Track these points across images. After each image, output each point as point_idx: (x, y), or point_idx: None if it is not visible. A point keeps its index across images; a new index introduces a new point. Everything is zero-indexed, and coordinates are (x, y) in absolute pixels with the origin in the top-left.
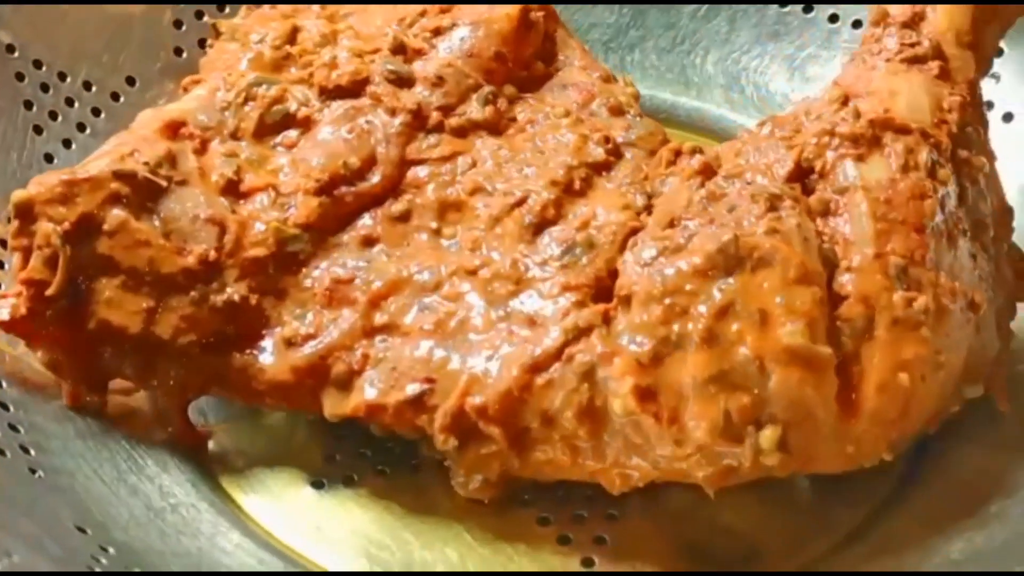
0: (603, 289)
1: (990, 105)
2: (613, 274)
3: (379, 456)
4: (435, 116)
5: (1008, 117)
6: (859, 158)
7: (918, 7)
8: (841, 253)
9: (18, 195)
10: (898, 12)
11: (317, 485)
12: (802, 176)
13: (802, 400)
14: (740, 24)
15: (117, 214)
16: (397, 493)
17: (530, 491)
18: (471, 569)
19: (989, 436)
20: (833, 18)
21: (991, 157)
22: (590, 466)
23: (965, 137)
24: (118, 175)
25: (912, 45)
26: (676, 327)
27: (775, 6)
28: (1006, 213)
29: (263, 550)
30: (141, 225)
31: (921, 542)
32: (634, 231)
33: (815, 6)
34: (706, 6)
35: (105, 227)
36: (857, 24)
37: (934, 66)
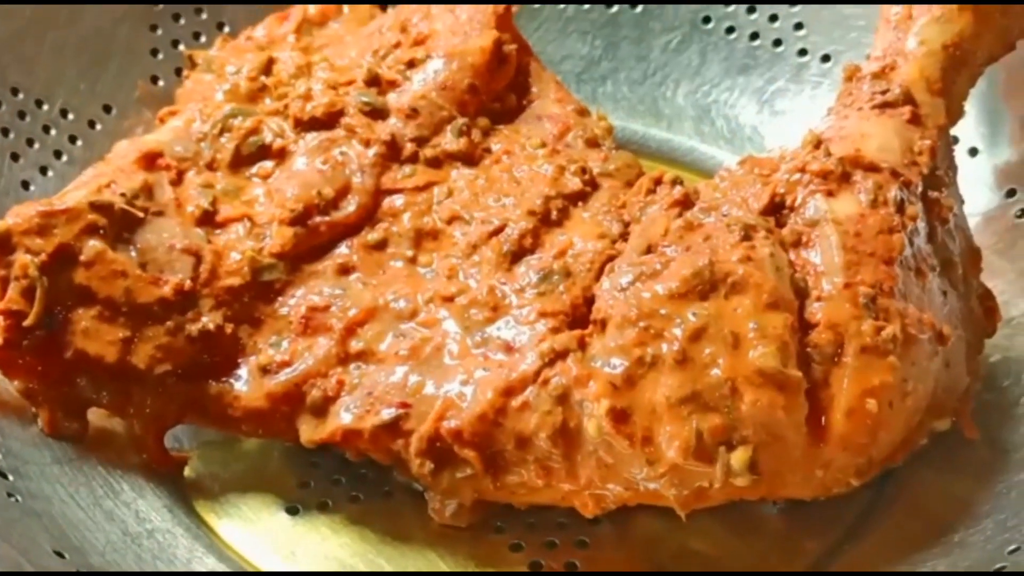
0: (579, 316)
1: (955, 139)
2: (589, 301)
3: (353, 482)
4: (409, 147)
5: (973, 152)
6: (829, 193)
7: (888, 60)
8: (812, 283)
9: None
10: (869, 65)
11: (292, 511)
12: (776, 210)
13: (773, 422)
14: (710, 57)
15: (94, 245)
16: (371, 519)
17: (503, 518)
18: None
19: (954, 462)
20: (802, 52)
21: (959, 200)
22: (563, 488)
23: (935, 179)
24: (95, 206)
25: (883, 92)
26: (650, 349)
27: (745, 40)
28: (974, 253)
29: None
30: (118, 256)
31: (887, 568)
32: (610, 259)
33: (783, 43)
34: (677, 39)
35: (82, 258)
36: (826, 58)
37: (905, 111)
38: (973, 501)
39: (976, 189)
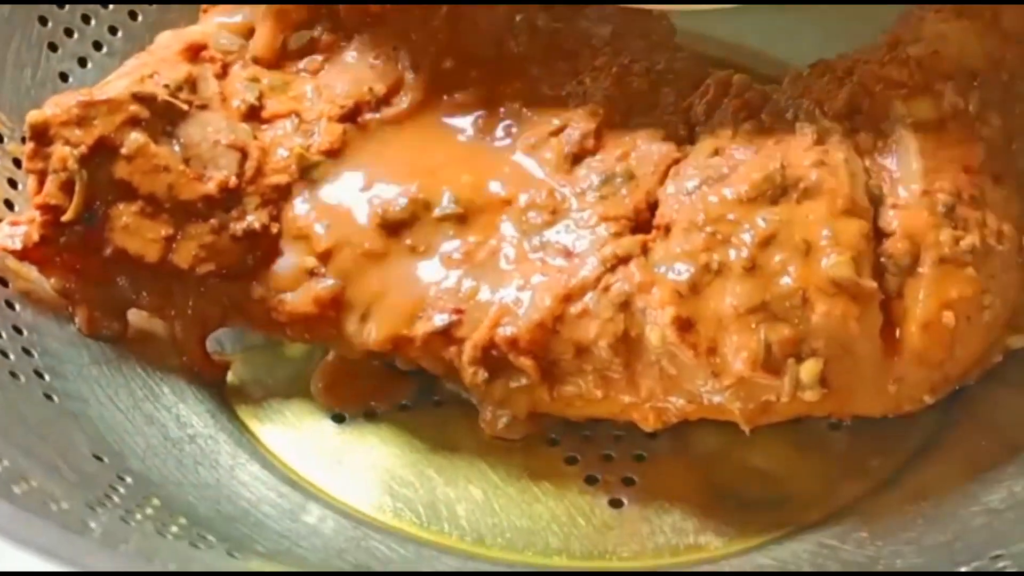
0: (642, 221)
1: None
2: (653, 206)
3: None
4: None
5: None
6: (908, 97)
7: None
8: (887, 190)
9: (33, 116)
10: None
11: (338, 419)
12: (850, 114)
13: (845, 334)
14: None
15: (136, 138)
16: (419, 428)
17: (557, 431)
18: (495, 507)
19: None
20: None
21: None
22: (623, 400)
23: (1014, 87)
24: (137, 97)
25: None
26: (717, 256)
27: None
28: None
29: (283, 483)
30: (160, 149)
31: (959, 489)
32: (676, 162)
33: None
34: None
35: (123, 151)
36: None
37: (986, 12)
38: None
39: None
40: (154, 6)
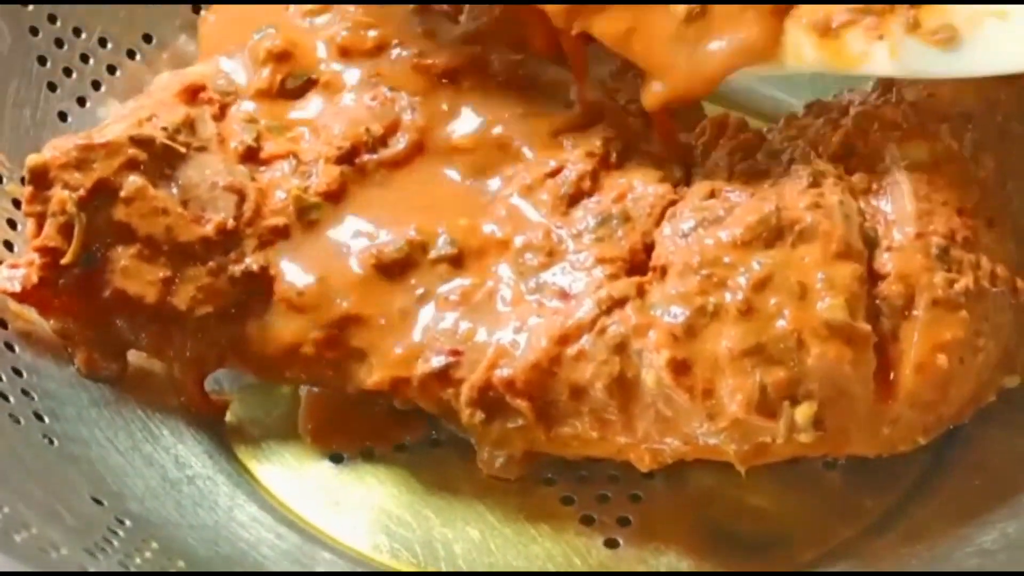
0: (638, 263)
1: None
2: (649, 247)
3: None
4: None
5: None
6: (902, 139)
7: None
8: (882, 232)
9: (33, 160)
10: None
11: (336, 459)
12: (845, 156)
13: (840, 377)
14: None
15: (134, 180)
16: (417, 469)
17: (554, 470)
18: (492, 547)
19: (1020, 420)
20: None
21: None
22: (619, 441)
23: (1009, 129)
24: (136, 140)
25: None
26: (713, 298)
27: None
28: None
29: (281, 524)
30: (159, 192)
31: (952, 531)
32: (672, 204)
33: None
34: None
35: (122, 194)
36: None
37: None
38: None
39: None
40: (152, 44)
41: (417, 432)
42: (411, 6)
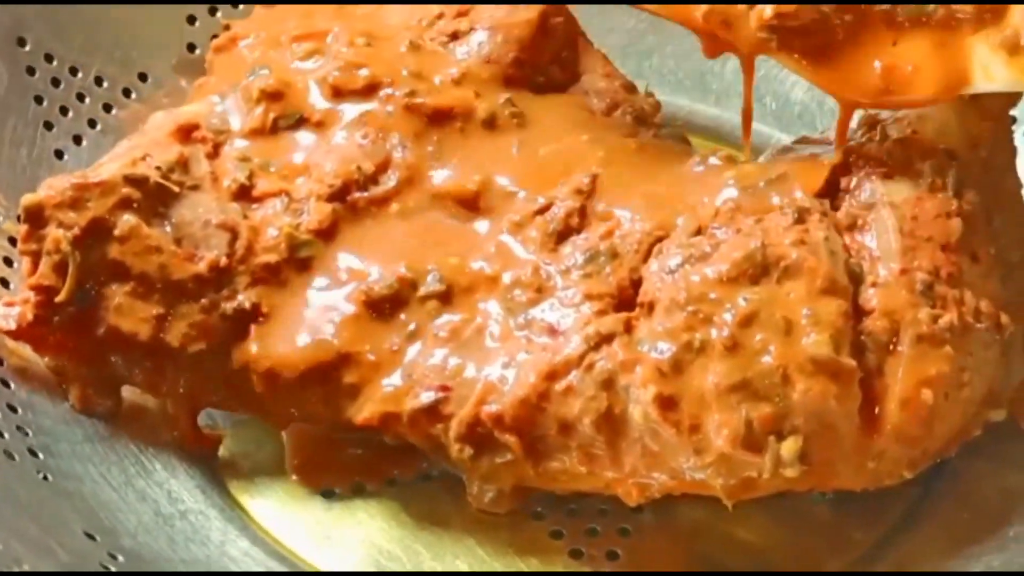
0: (626, 299)
1: (1014, 120)
2: (636, 284)
3: None
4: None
5: None
6: (886, 176)
7: None
8: (867, 268)
9: (28, 199)
10: None
11: (327, 494)
12: (831, 192)
13: (825, 412)
14: None
15: (128, 219)
16: (408, 503)
17: (543, 504)
18: None
19: (1009, 453)
20: None
21: (1019, 184)
22: (607, 476)
23: (993, 163)
24: (129, 180)
25: None
26: (699, 334)
27: None
28: None
29: (272, 558)
30: (152, 231)
31: (939, 563)
32: (659, 240)
33: None
34: None
35: (116, 232)
36: None
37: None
38: None
39: None
40: (147, 83)
41: (407, 467)
42: (403, 45)
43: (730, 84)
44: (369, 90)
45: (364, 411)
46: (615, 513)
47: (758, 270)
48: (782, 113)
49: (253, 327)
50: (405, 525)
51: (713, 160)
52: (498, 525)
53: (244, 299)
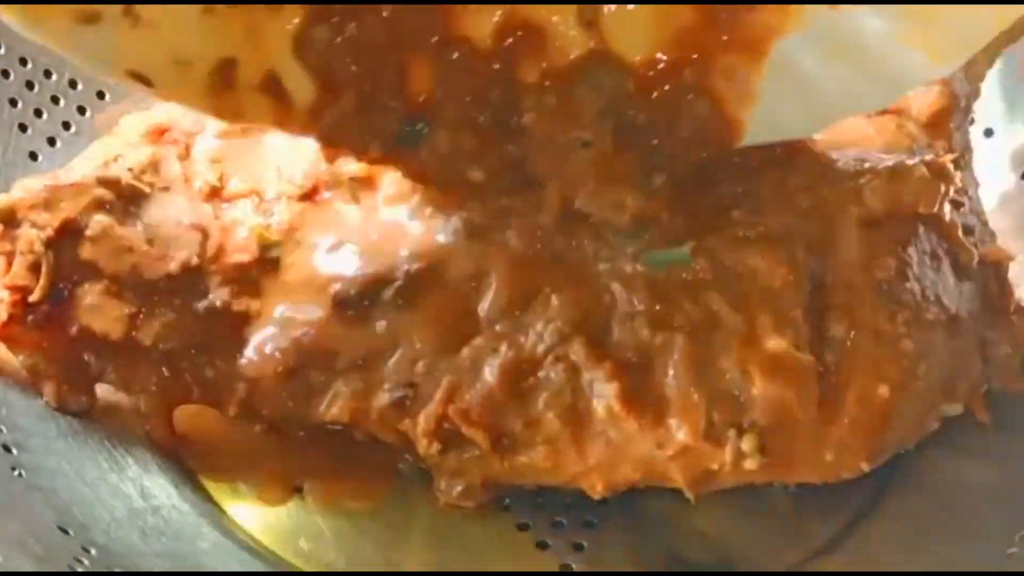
0: None
1: (971, 120)
2: None
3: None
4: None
5: (989, 132)
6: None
7: None
8: (828, 266)
9: (2, 200)
10: None
11: (297, 488)
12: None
13: (784, 406)
14: None
15: (100, 220)
16: (378, 497)
17: (510, 497)
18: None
19: (965, 444)
20: None
21: (975, 183)
22: (572, 469)
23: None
24: (102, 181)
25: None
26: (662, 332)
27: None
28: (990, 237)
29: (244, 552)
30: (124, 231)
31: (898, 553)
32: None
33: None
34: None
35: (88, 232)
36: None
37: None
38: (984, 484)
39: (992, 171)
40: (121, 86)
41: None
42: None
43: None
44: None
45: (333, 408)
46: (581, 506)
47: (722, 271)
48: None
49: (226, 340)
50: (375, 517)
51: None
52: (466, 517)
53: (215, 298)
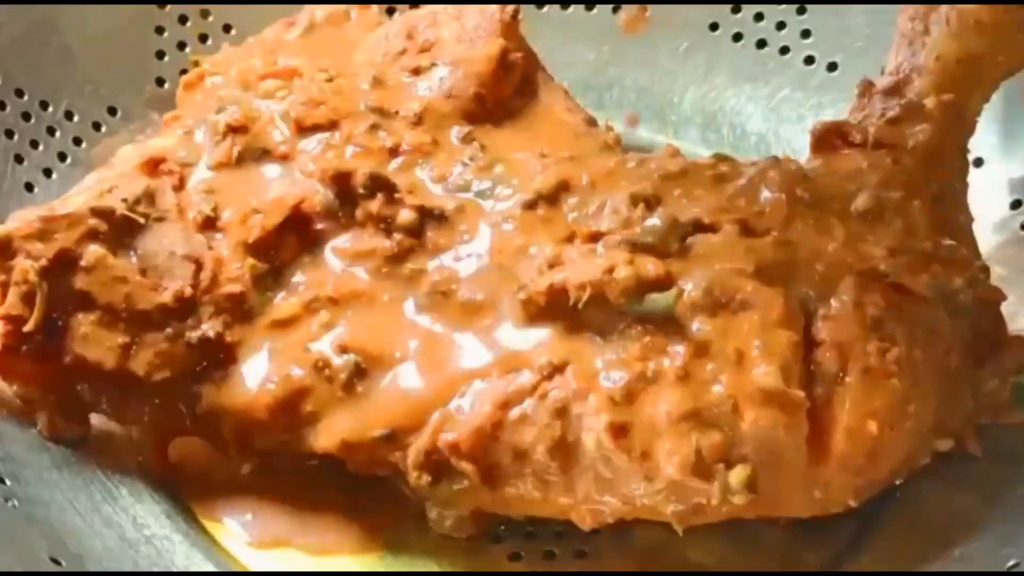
0: None
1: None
2: None
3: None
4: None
5: (979, 162)
6: None
7: (902, 75)
8: (819, 300)
9: None
10: (883, 81)
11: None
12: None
13: (773, 441)
14: (717, 64)
15: (94, 250)
16: (372, 527)
17: (502, 527)
18: None
19: (956, 475)
20: (809, 60)
21: (969, 217)
22: (561, 502)
23: (945, 198)
24: (96, 212)
25: (896, 106)
26: (652, 364)
27: (752, 47)
28: (982, 271)
29: None
30: (118, 261)
31: None
32: None
33: (790, 50)
34: (684, 45)
35: (82, 263)
36: (832, 67)
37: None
38: (974, 515)
39: (983, 200)
40: (117, 117)
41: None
42: (366, 82)
43: (688, 116)
44: (332, 125)
45: (324, 439)
46: (572, 536)
47: (714, 303)
48: (739, 143)
49: (219, 370)
50: (368, 548)
51: None
52: (458, 548)
53: (208, 328)
